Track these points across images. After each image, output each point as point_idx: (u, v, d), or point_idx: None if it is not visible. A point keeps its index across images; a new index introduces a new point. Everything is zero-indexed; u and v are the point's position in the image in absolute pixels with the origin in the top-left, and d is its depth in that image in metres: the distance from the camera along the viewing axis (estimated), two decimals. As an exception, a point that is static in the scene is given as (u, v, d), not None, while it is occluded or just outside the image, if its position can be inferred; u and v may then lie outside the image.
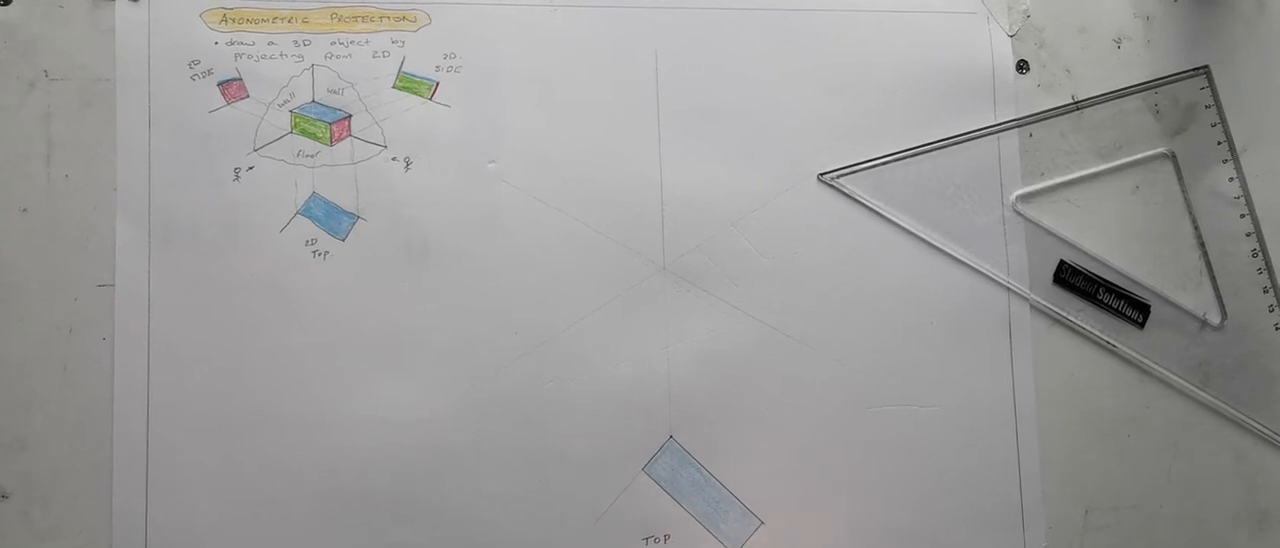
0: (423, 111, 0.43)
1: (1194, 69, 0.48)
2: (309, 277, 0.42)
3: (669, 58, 0.45)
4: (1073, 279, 0.46)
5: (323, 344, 0.42)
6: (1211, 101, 0.48)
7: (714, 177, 0.45)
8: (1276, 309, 0.48)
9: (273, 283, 0.42)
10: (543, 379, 0.43)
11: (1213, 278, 0.47)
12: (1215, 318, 0.47)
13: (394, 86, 0.43)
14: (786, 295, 0.45)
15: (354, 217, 0.42)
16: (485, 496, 0.42)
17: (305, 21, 0.43)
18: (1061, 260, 0.46)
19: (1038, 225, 0.46)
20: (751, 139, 0.45)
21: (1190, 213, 0.47)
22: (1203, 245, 0.47)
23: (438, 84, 0.43)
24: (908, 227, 0.45)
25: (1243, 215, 0.48)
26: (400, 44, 0.43)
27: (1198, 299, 0.48)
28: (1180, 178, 0.47)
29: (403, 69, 0.43)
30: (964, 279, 0.46)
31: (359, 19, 0.43)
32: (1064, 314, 0.46)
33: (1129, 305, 0.47)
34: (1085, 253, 0.47)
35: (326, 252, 0.42)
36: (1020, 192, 0.46)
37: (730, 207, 0.45)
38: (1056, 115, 0.47)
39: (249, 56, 0.42)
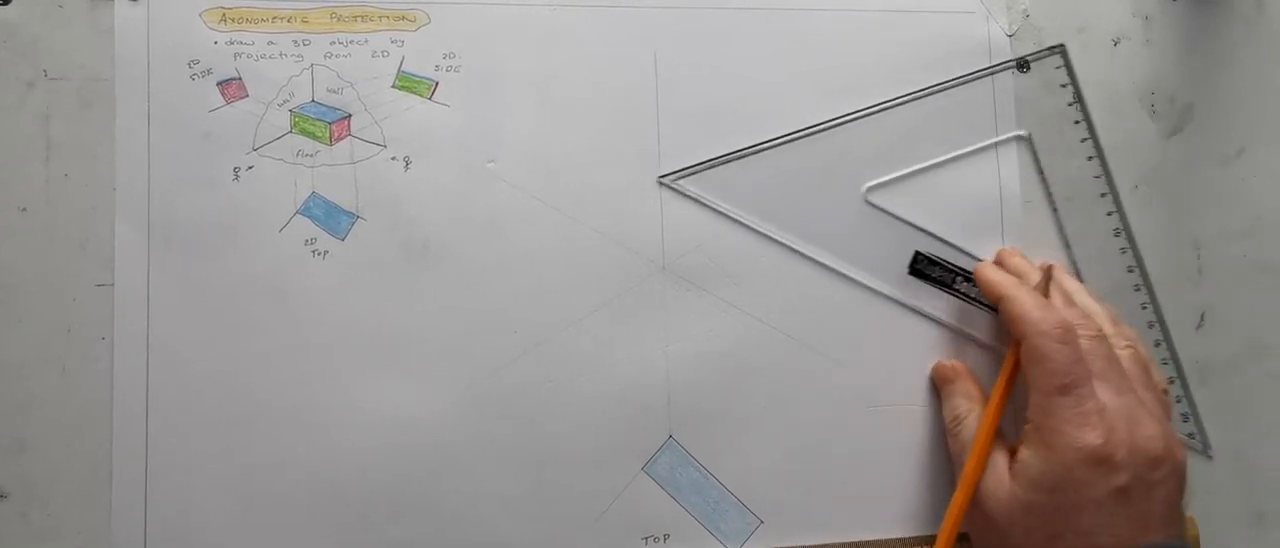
0: (422, 111, 0.43)
1: (1049, 48, 0.47)
2: (308, 276, 0.42)
3: (668, 57, 0.45)
4: (928, 270, 0.45)
5: (322, 343, 0.42)
6: (1067, 80, 0.47)
7: (713, 176, 0.45)
8: (1143, 292, 0.47)
9: (272, 282, 0.41)
10: (542, 379, 0.43)
11: (1076, 268, 0.47)
12: None
13: (393, 86, 0.43)
14: (786, 295, 0.45)
15: (353, 216, 0.42)
16: (484, 495, 0.42)
17: (305, 21, 0.43)
18: (916, 252, 0.45)
19: (891, 215, 0.45)
20: (751, 139, 0.45)
21: (1048, 196, 0.47)
22: (1063, 232, 0.47)
23: (437, 84, 0.44)
24: (754, 226, 0.44)
25: (1103, 195, 0.47)
26: (399, 44, 0.43)
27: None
28: (1037, 161, 0.47)
29: (402, 69, 0.43)
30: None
31: (358, 19, 0.43)
32: (916, 304, 0.45)
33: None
34: (943, 241, 0.46)
35: (326, 251, 0.42)
36: (872, 183, 0.45)
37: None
38: (908, 102, 0.46)
39: (248, 56, 0.42)
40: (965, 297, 0.45)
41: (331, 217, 0.42)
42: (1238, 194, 0.49)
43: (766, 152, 0.45)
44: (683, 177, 0.44)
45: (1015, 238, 0.47)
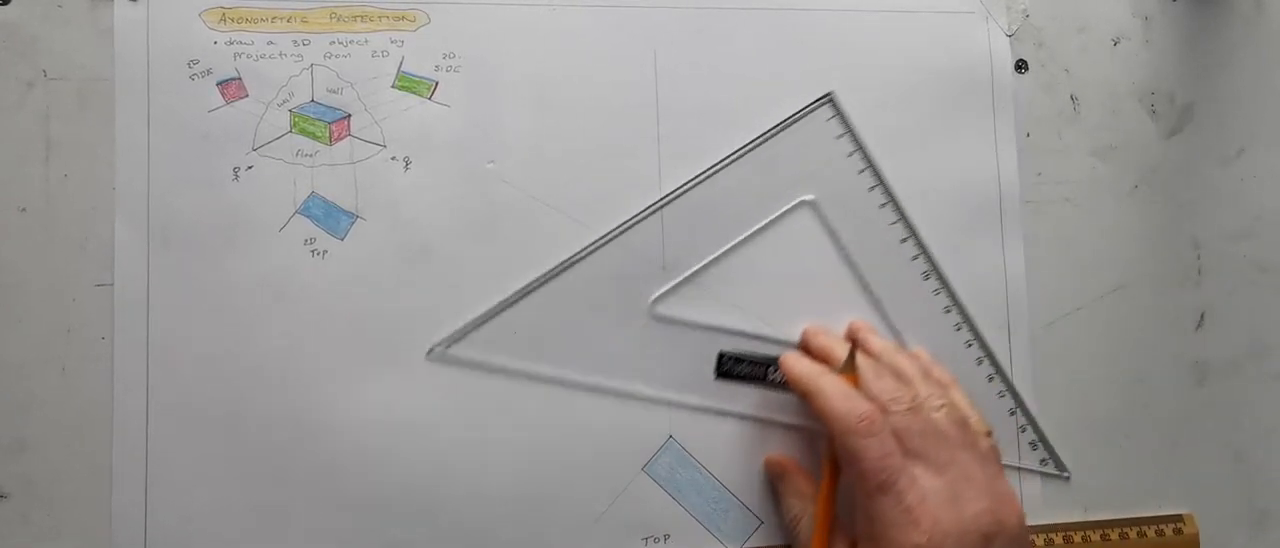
0: (422, 111, 0.43)
1: (817, 100, 0.45)
2: (308, 276, 0.42)
3: (668, 57, 0.45)
4: (736, 369, 0.42)
5: (322, 343, 0.42)
6: (842, 131, 0.45)
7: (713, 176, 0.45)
8: (965, 331, 0.46)
9: (272, 283, 0.41)
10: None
11: (891, 326, 0.45)
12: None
13: (393, 86, 0.43)
14: (785, 296, 0.45)
15: (353, 216, 0.42)
16: (484, 495, 0.42)
17: (304, 21, 0.43)
18: (720, 353, 0.43)
19: (681, 323, 0.43)
20: (750, 139, 0.45)
21: (845, 256, 0.44)
22: (870, 289, 0.45)
23: (437, 84, 0.43)
24: (545, 375, 0.42)
25: (904, 240, 0.45)
26: (399, 44, 0.43)
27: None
28: (825, 222, 0.44)
29: (402, 69, 0.43)
30: (962, 278, 0.46)
31: (358, 19, 0.43)
32: (732, 408, 0.43)
33: None
34: (744, 334, 0.44)
35: (325, 251, 0.42)
36: (656, 294, 0.43)
37: (730, 206, 0.45)
38: (709, 177, 0.44)
39: (248, 56, 0.42)
40: (779, 385, 0.42)
41: (331, 217, 0.42)
42: (1237, 194, 0.49)
43: (545, 285, 0.43)
44: (454, 343, 0.42)
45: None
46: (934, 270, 0.45)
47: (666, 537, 0.43)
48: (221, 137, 0.42)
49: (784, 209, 0.45)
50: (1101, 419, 0.47)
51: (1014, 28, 0.48)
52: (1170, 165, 0.49)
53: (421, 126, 0.43)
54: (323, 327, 0.42)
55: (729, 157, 0.44)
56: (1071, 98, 0.48)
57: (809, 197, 0.45)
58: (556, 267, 0.43)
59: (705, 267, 0.44)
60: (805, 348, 0.44)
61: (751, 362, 0.42)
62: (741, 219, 0.44)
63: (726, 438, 0.44)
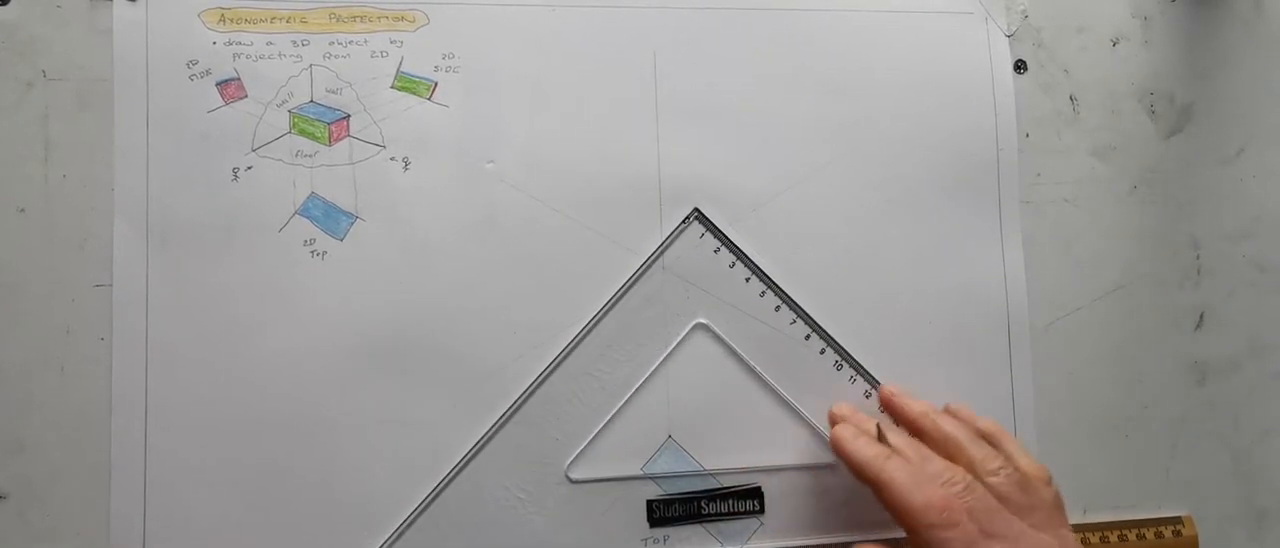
0: (421, 112, 0.43)
1: (684, 220, 0.44)
2: (307, 277, 0.42)
3: (667, 58, 0.45)
4: (669, 512, 0.42)
5: (321, 344, 0.41)
6: (717, 244, 0.44)
7: (713, 177, 0.45)
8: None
9: (271, 283, 0.41)
10: (541, 379, 0.43)
11: (803, 417, 0.44)
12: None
13: (392, 87, 0.43)
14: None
15: (352, 216, 0.42)
16: (483, 495, 0.42)
17: (303, 21, 0.43)
18: (647, 501, 0.42)
19: (599, 480, 0.42)
20: (750, 139, 0.45)
21: (746, 367, 0.43)
22: (774, 388, 0.43)
23: (436, 84, 0.43)
24: None
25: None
26: (398, 44, 0.43)
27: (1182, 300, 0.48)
28: (722, 340, 0.43)
29: (401, 69, 0.43)
30: (961, 279, 0.46)
31: (357, 19, 0.43)
32: None
33: (739, 499, 0.43)
34: (669, 475, 0.43)
35: (325, 252, 0.42)
36: (569, 460, 0.42)
37: (729, 206, 0.45)
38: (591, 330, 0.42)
39: (247, 56, 0.42)
40: (717, 516, 0.42)
41: (330, 217, 0.42)
42: (1237, 194, 0.49)
43: (453, 482, 0.41)
44: None
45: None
46: (846, 361, 0.44)
47: (666, 538, 0.43)
48: (221, 137, 0.42)
49: (679, 338, 0.44)
50: (1101, 419, 0.47)
51: (1013, 28, 0.48)
52: (1169, 165, 0.49)
53: (421, 127, 0.43)
54: (322, 327, 0.41)
55: (608, 302, 0.43)
56: (1071, 98, 0.49)
57: (702, 319, 0.44)
58: (461, 459, 0.41)
59: (611, 420, 0.43)
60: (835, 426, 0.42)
61: (682, 501, 0.43)
62: (639, 360, 0.43)
63: (726, 438, 0.44)
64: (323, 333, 0.41)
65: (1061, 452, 0.46)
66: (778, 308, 0.44)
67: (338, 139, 0.43)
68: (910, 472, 0.37)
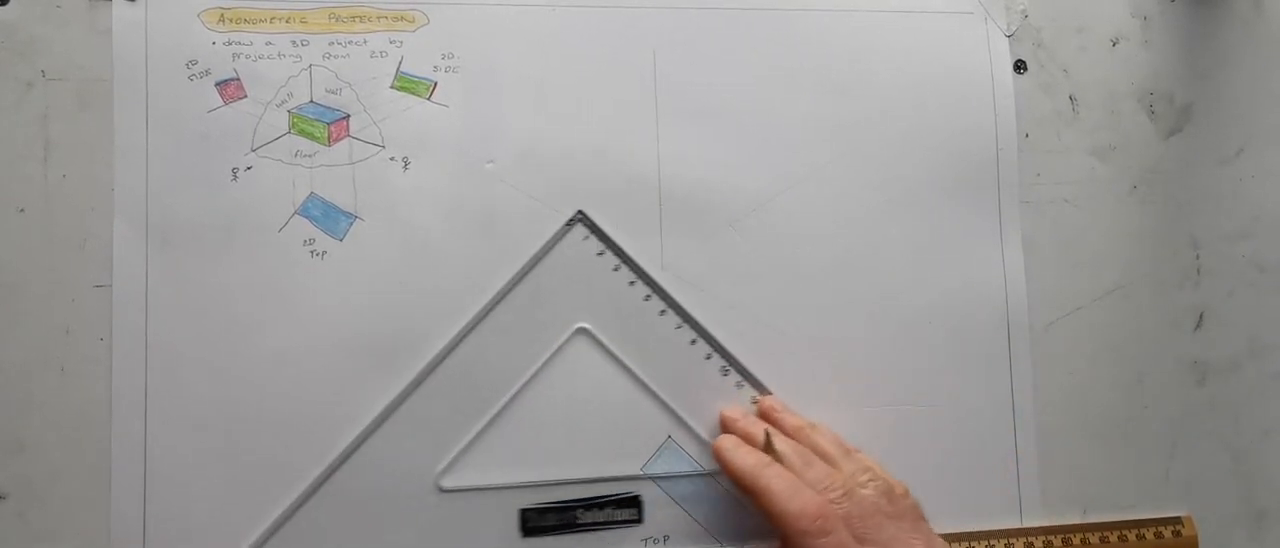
0: (421, 112, 0.43)
1: (567, 222, 0.43)
2: (307, 276, 0.42)
3: (667, 58, 0.45)
4: (543, 521, 0.41)
5: (321, 344, 0.41)
6: (601, 247, 0.43)
7: (712, 177, 0.45)
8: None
9: (271, 283, 0.41)
10: (541, 379, 0.43)
11: (687, 426, 0.43)
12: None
13: (392, 87, 0.43)
14: (785, 296, 0.45)
15: (352, 217, 0.42)
16: (483, 496, 0.42)
17: (303, 22, 0.43)
18: (520, 510, 0.41)
19: (474, 490, 0.41)
20: (750, 139, 0.45)
21: (630, 374, 0.42)
22: (658, 395, 0.42)
23: (436, 84, 0.43)
24: None
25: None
26: (398, 44, 0.43)
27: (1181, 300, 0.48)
28: (603, 346, 0.42)
29: (401, 69, 0.43)
30: (961, 279, 0.46)
31: (357, 19, 0.43)
32: None
33: (617, 507, 0.42)
34: (545, 483, 0.42)
35: (325, 252, 0.42)
36: (440, 467, 0.41)
37: (729, 207, 0.45)
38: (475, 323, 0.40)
39: (247, 57, 0.42)
40: (594, 525, 0.42)
41: (330, 217, 0.42)
42: (1236, 194, 0.49)
43: (320, 488, 0.40)
44: None
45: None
46: (733, 367, 0.44)
47: (666, 538, 0.43)
48: (220, 137, 0.42)
49: (559, 344, 0.42)
50: (1101, 419, 0.47)
51: (1013, 28, 0.48)
52: (1169, 165, 0.49)
53: (420, 127, 0.43)
54: (321, 327, 0.41)
55: (486, 306, 0.42)
56: (1070, 98, 0.49)
57: (583, 324, 0.43)
58: (330, 465, 0.40)
59: (486, 427, 0.42)
60: (726, 431, 0.43)
61: (557, 510, 0.42)
62: (515, 367, 0.42)
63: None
64: (322, 333, 0.41)
65: (1061, 452, 0.46)
66: (663, 312, 0.43)
67: (337, 139, 0.43)
68: (788, 480, 0.38)
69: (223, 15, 0.43)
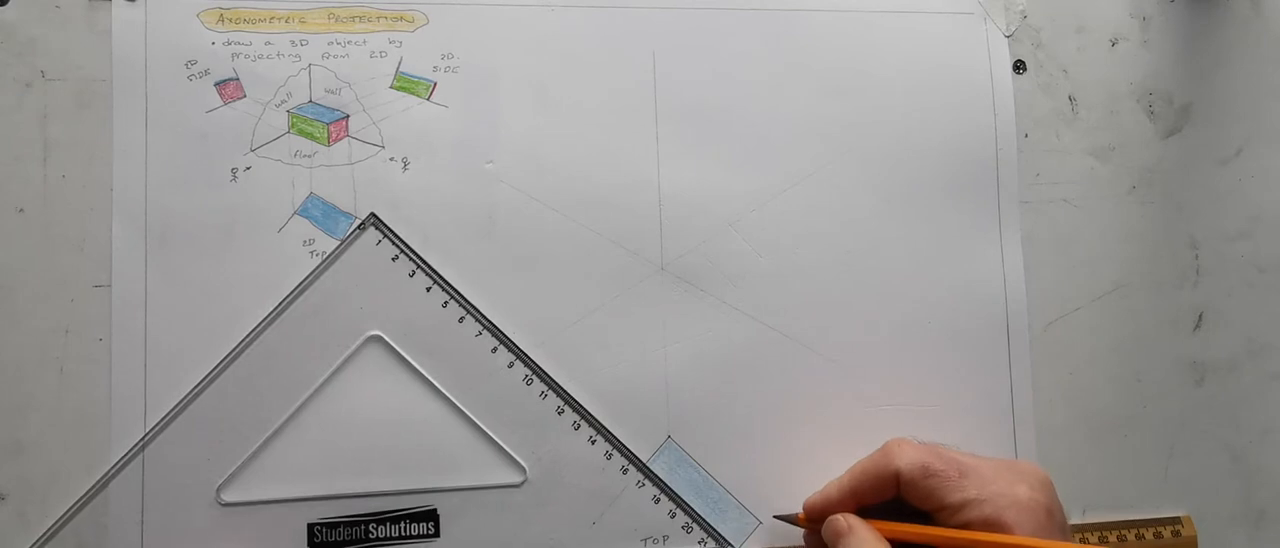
0: (420, 112, 0.43)
1: (358, 225, 0.41)
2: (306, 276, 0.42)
3: (667, 58, 0.45)
4: (333, 537, 0.40)
5: (320, 344, 0.41)
6: (396, 252, 0.41)
7: (712, 177, 0.45)
8: (592, 438, 0.42)
9: (270, 283, 0.41)
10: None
11: (488, 435, 0.41)
12: None
13: (391, 87, 0.43)
14: (785, 296, 0.45)
15: (351, 217, 0.42)
16: (483, 496, 0.42)
17: (302, 21, 0.43)
18: (308, 524, 0.40)
19: (257, 504, 0.40)
20: (750, 139, 0.45)
21: (426, 382, 0.40)
22: (456, 404, 0.41)
23: (435, 84, 0.43)
24: None
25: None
26: (397, 44, 0.43)
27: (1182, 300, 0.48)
28: (398, 353, 0.41)
29: (400, 69, 0.43)
30: (960, 278, 0.46)
31: (356, 19, 0.43)
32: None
33: (413, 521, 0.41)
34: (337, 496, 0.40)
35: (325, 252, 0.42)
36: (221, 479, 0.40)
37: (728, 207, 0.45)
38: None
39: (246, 57, 0.42)
40: (386, 539, 0.40)
41: (329, 217, 0.42)
42: (1236, 194, 0.50)
43: (88, 502, 0.39)
44: None
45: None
46: (537, 376, 0.42)
47: (665, 538, 0.43)
48: (219, 137, 0.42)
49: (350, 351, 0.41)
50: (1100, 419, 0.47)
51: (1012, 28, 0.48)
52: (1168, 166, 0.49)
53: (420, 127, 0.43)
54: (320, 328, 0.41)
55: (271, 314, 0.41)
56: (1069, 98, 0.49)
57: (376, 331, 0.41)
58: (97, 483, 0.39)
59: (271, 437, 0.40)
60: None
61: (348, 524, 0.40)
62: (304, 376, 0.41)
63: (726, 438, 0.44)
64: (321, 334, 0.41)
65: (1060, 452, 0.46)
66: (461, 319, 0.42)
67: (337, 139, 0.43)
68: None
69: (222, 15, 0.42)
